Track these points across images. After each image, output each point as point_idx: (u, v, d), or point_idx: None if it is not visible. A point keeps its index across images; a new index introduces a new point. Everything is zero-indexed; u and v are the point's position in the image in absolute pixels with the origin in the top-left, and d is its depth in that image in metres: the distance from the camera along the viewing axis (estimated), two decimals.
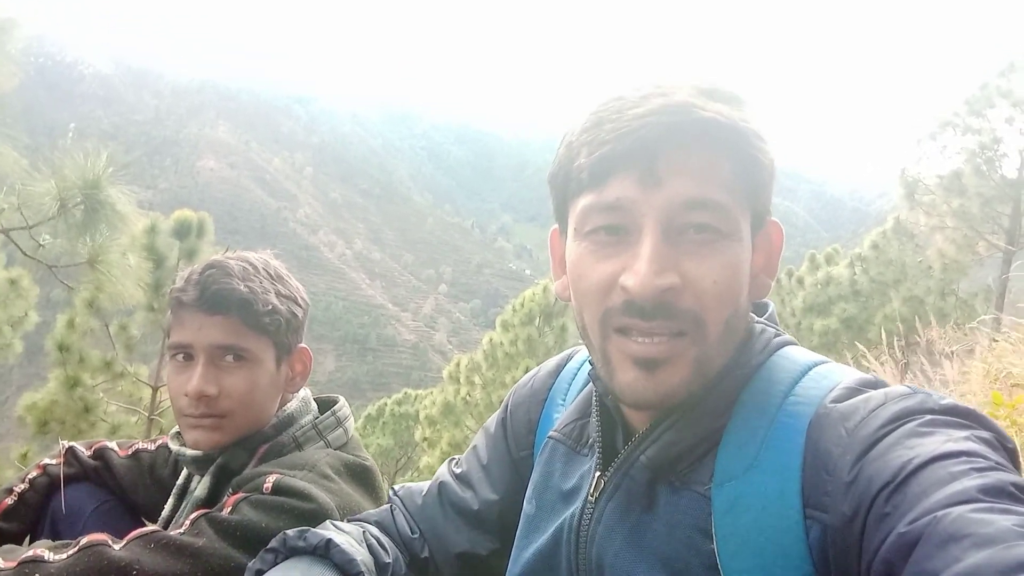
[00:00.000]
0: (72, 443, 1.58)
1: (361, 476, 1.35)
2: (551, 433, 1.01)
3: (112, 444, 1.60)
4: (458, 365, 16.87)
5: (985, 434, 0.69)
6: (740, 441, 0.80)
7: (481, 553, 1.08)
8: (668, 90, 0.80)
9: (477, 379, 16.17)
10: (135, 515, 1.56)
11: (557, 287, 0.95)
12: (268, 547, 0.99)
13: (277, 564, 0.96)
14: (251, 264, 1.36)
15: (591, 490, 0.89)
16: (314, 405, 1.49)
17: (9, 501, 1.47)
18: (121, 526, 1.45)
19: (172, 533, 1.15)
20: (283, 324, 1.36)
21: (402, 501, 1.19)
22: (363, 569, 0.95)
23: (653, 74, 0.83)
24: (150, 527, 1.19)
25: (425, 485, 1.19)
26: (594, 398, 0.95)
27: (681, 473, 0.82)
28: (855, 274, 15.06)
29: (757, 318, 0.92)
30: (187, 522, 1.18)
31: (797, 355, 0.88)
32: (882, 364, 4.82)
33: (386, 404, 22.09)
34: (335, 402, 1.50)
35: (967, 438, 0.67)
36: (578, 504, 0.90)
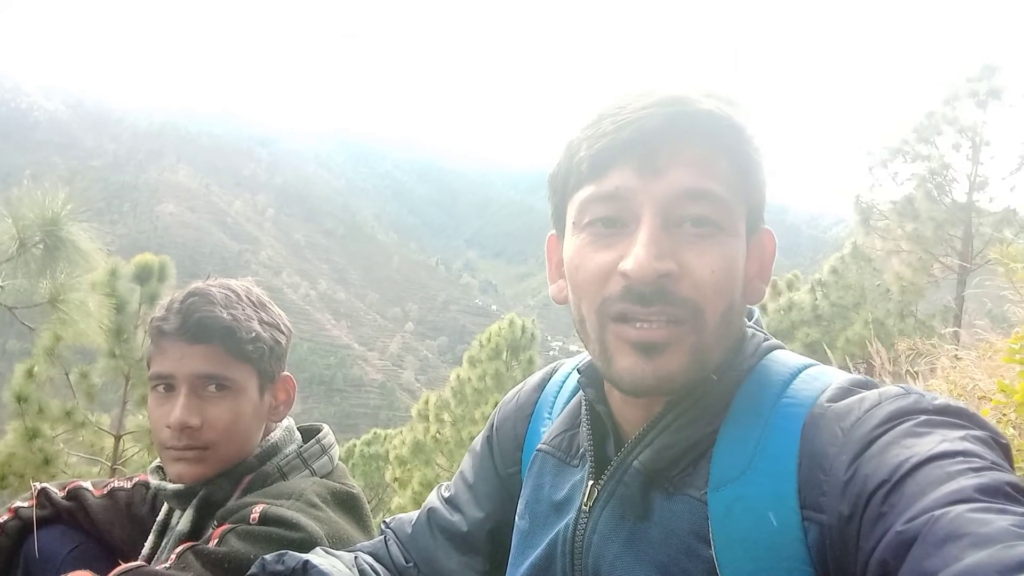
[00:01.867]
0: (44, 484, 1.54)
1: (349, 504, 1.33)
2: (540, 446, 1.01)
3: (86, 484, 1.55)
4: (427, 403, 16.71)
5: (980, 433, 0.70)
6: (734, 444, 0.80)
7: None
8: (668, 85, 0.82)
9: (446, 416, 16.03)
10: (112, 556, 1.50)
11: (553, 291, 0.95)
12: (248, 573, 0.97)
13: None
14: (233, 291, 1.34)
15: (584, 499, 0.88)
16: (298, 434, 1.46)
17: None
18: (98, 568, 1.41)
19: (158, 568, 1.12)
20: (266, 352, 1.34)
21: (394, 532, 1.17)
22: None
23: (649, 79, 0.85)
24: (135, 563, 1.15)
25: (415, 515, 1.18)
26: (584, 407, 0.95)
27: (675, 478, 0.82)
28: (816, 299, 15.30)
29: (747, 323, 0.93)
30: (173, 556, 1.15)
31: (787, 358, 0.88)
32: None
33: (355, 445, 21.77)
34: (319, 430, 1.48)
35: (963, 438, 0.68)
36: (571, 514, 0.89)
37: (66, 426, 10.27)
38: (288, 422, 1.46)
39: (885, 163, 13.42)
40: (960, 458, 0.64)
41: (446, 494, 1.16)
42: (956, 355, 4.51)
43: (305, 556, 0.96)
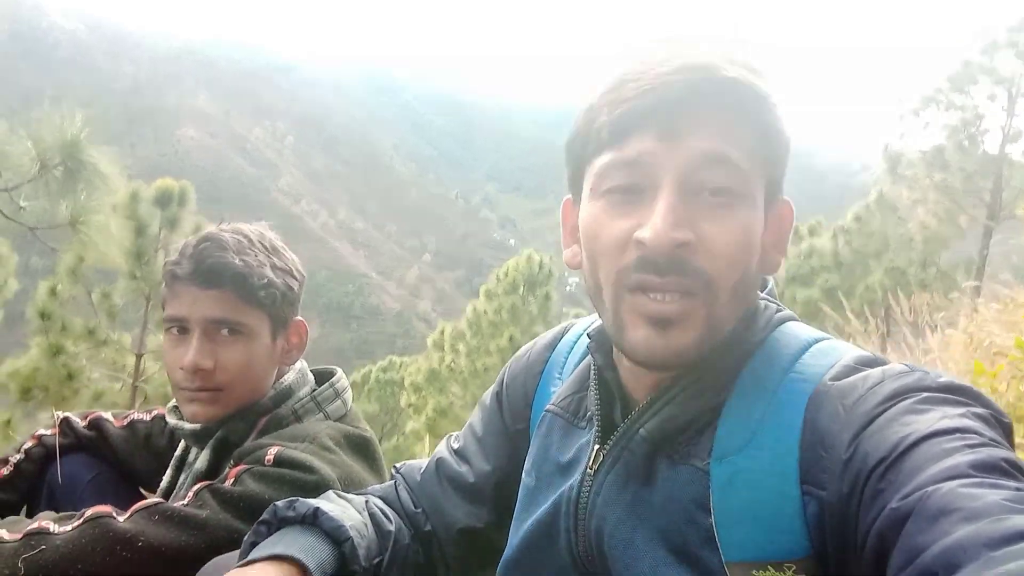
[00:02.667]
0: (67, 413, 1.57)
1: (361, 448, 1.35)
2: (548, 407, 1.02)
3: (107, 415, 1.59)
4: (442, 333, 16.89)
5: (981, 411, 0.70)
6: (739, 417, 0.81)
7: (479, 526, 1.09)
8: (691, 49, 0.80)
9: (461, 347, 16.20)
10: (132, 484, 1.57)
11: (567, 256, 0.95)
12: (260, 519, 0.99)
13: (270, 536, 0.97)
14: (246, 236, 1.34)
15: (590, 463, 0.90)
16: (311, 377, 1.48)
17: (4, 471, 1.48)
18: (119, 495, 1.49)
19: (176, 504, 1.15)
20: (278, 297, 1.35)
21: (404, 478, 1.20)
22: (352, 535, 0.95)
23: (670, 38, 0.83)
24: (153, 499, 1.19)
25: (424, 462, 1.20)
26: (592, 371, 0.95)
27: (680, 447, 0.83)
28: (838, 246, 15.16)
29: (760, 294, 0.92)
30: (190, 494, 1.19)
31: (798, 331, 0.88)
32: (865, 331, 4.86)
33: (371, 371, 22.12)
34: (332, 373, 1.50)
35: (963, 415, 0.68)
36: (576, 476, 0.91)
37: (88, 343, 10.48)
38: (301, 364, 1.48)
39: (917, 112, 13.11)
40: (958, 435, 0.65)
41: (455, 445, 1.17)
42: (976, 309, 4.47)
43: (315, 503, 0.98)
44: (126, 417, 1.59)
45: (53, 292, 10.22)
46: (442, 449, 1.18)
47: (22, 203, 6.01)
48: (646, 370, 0.87)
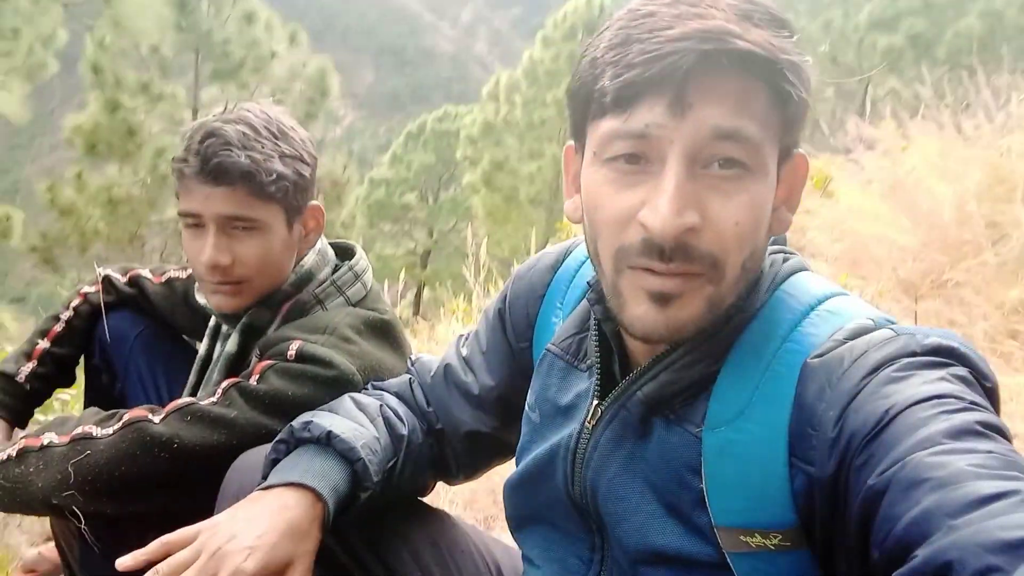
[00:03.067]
0: (107, 271, 1.61)
1: (382, 331, 1.36)
2: (548, 346, 1.01)
3: (145, 271, 1.62)
4: (497, 83, 16.43)
5: (961, 371, 0.70)
6: (732, 387, 0.80)
7: (484, 430, 1.12)
8: (704, 10, 0.72)
9: (517, 98, 15.81)
10: (176, 337, 1.62)
11: (568, 208, 0.90)
12: (279, 438, 1.03)
13: (289, 454, 1.01)
14: (251, 126, 1.28)
15: (588, 416, 0.91)
16: (331, 253, 1.47)
17: (58, 328, 1.55)
18: (163, 348, 1.57)
19: (205, 404, 1.20)
20: (290, 188, 1.31)
21: (417, 373, 1.23)
22: (363, 454, 0.99)
23: None
24: (184, 400, 1.23)
25: (435, 363, 1.21)
26: (592, 321, 0.94)
27: (676, 409, 0.83)
28: None
29: (769, 248, 0.87)
30: (219, 391, 1.23)
31: (804, 289, 0.84)
32: (940, 100, 4.49)
33: (427, 121, 21.98)
34: (352, 252, 1.48)
35: (942, 378, 0.68)
36: (575, 426, 0.92)
37: (144, 98, 10.54)
38: (321, 244, 1.46)
39: None
40: (934, 401, 0.65)
41: (464, 351, 1.17)
42: None
43: (328, 425, 1.01)
44: (163, 274, 1.62)
45: (102, 45, 10.10)
46: (451, 354, 1.19)
47: None
48: None
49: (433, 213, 21.57)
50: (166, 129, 11.00)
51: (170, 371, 1.54)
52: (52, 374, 1.53)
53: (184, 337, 1.63)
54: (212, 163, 1.24)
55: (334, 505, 0.95)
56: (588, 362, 0.94)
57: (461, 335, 1.22)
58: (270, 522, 0.90)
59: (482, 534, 1.21)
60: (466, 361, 1.16)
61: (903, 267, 2.96)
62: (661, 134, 0.74)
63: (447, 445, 1.16)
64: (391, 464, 1.05)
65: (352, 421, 1.05)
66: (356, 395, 1.15)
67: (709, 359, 0.82)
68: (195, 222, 1.31)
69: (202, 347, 1.48)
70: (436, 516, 1.17)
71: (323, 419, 1.03)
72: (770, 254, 0.86)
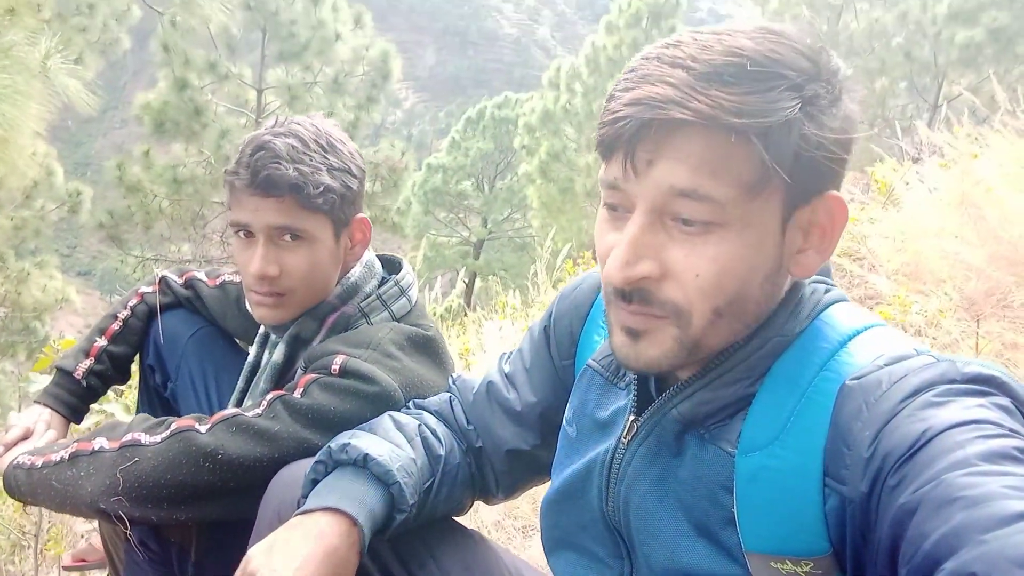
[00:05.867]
0: (164, 273, 1.67)
1: (424, 347, 1.37)
2: (589, 362, 1.03)
3: (200, 274, 1.68)
4: (558, 71, 16.30)
5: (1003, 400, 0.69)
6: (768, 412, 0.80)
7: (525, 448, 1.14)
8: (666, 72, 0.73)
9: (578, 86, 15.67)
10: (228, 339, 1.67)
11: None
12: (318, 458, 1.06)
13: (327, 475, 1.03)
14: (300, 139, 1.31)
15: (624, 433, 0.92)
16: (378, 267, 1.49)
17: (115, 326, 1.62)
18: (215, 351, 1.61)
19: (250, 416, 1.23)
20: (337, 200, 1.33)
21: (459, 391, 1.25)
22: (399, 478, 1.01)
23: (680, 40, 0.77)
24: (231, 410, 1.26)
25: (477, 381, 1.23)
26: None
27: (711, 428, 0.84)
28: None
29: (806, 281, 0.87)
30: (264, 402, 1.26)
31: (842, 320, 0.83)
32: (1015, 92, 4.28)
33: (486, 108, 21.99)
34: (399, 266, 1.51)
35: (981, 406, 0.68)
36: (612, 442, 0.94)
37: (211, 77, 10.76)
38: (368, 256, 1.47)
39: None
40: (972, 426, 0.65)
41: (506, 368, 1.19)
42: None
43: (365, 448, 1.03)
44: (218, 277, 1.67)
45: (173, 23, 10.32)
46: (493, 372, 1.21)
47: None
48: None
49: (488, 202, 21.62)
50: (231, 110, 11.22)
51: (220, 374, 1.58)
52: (108, 371, 1.60)
53: (236, 341, 1.67)
54: (262, 175, 1.28)
55: (370, 529, 0.97)
56: (627, 379, 0.96)
57: (504, 353, 1.24)
58: (309, 550, 0.92)
59: (514, 558, 1.22)
60: (508, 378, 1.18)
61: (966, 284, 2.84)
62: (626, 188, 0.78)
63: (487, 464, 1.18)
64: (428, 485, 1.08)
65: (390, 443, 1.08)
66: (396, 414, 1.17)
67: (746, 380, 0.82)
68: (245, 232, 1.34)
69: (251, 353, 1.52)
70: (471, 538, 1.18)
71: (361, 440, 1.05)
72: (811, 283, 0.87)
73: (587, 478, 0.96)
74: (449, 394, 1.26)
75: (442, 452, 1.12)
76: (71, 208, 10.13)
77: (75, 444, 1.26)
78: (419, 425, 1.14)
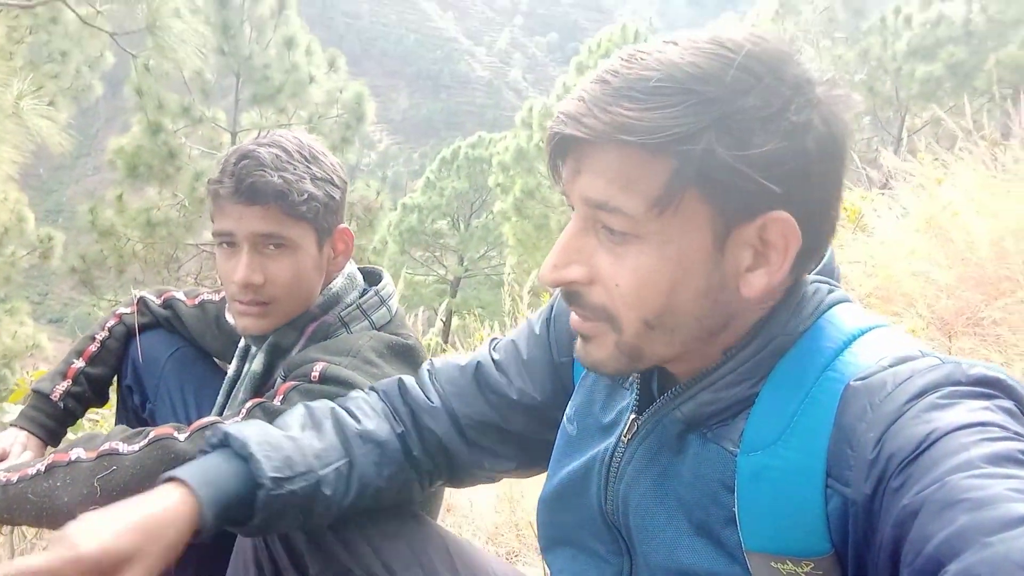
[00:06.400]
0: (143, 293, 1.67)
1: (404, 355, 1.38)
2: None
3: (179, 294, 1.67)
4: (530, 110, 16.51)
5: (1007, 403, 0.69)
6: (770, 412, 0.79)
7: (505, 428, 1.12)
8: (588, 88, 0.76)
9: (550, 125, 15.82)
10: (207, 359, 1.66)
11: None
12: (200, 448, 1.03)
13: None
14: (284, 150, 1.33)
15: (624, 431, 0.92)
16: (359, 279, 1.50)
17: (93, 348, 1.60)
18: (195, 369, 1.61)
19: (228, 424, 1.22)
20: (320, 209, 1.35)
21: (436, 370, 1.20)
22: (254, 451, 0.96)
23: (627, 56, 0.76)
24: (209, 419, 1.26)
25: (463, 359, 1.20)
26: None
27: (713, 427, 0.84)
28: (971, 12, 13.58)
29: (812, 276, 0.86)
30: (243, 411, 1.25)
31: (846, 319, 0.82)
32: (978, 138, 4.42)
33: (460, 147, 22.15)
34: (379, 277, 1.52)
35: (986, 408, 0.68)
36: (612, 440, 0.93)
37: (185, 121, 10.76)
38: (350, 268, 1.49)
39: None
40: (978, 428, 0.65)
41: (496, 356, 1.16)
42: None
43: (227, 430, 1.00)
44: (197, 296, 1.67)
45: (147, 68, 10.35)
46: (484, 354, 1.18)
47: (99, 7, 5.93)
48: None
49: (464, 240, 21.66)
50: (205, 153, 11.21)
51: (200, 392, 1.57)
52: (86, 393, 1.58)
53: (215, 360, 1.66)
54: (246, 183, 1.29)
55: (213, 500, 0.91)
56: (630, 379, 0.95)
57: (494, 338, 1.22)
58: (124, 514, 0.86)
59: (504, 564, 1.20)
60: (500, 366, 1.15)
61: (937, 304, 2.90)
62: (568, 192, 0.81)
63: (456, 435, 1.13)
64: (339, 464, 1.03)
65: (274, 427, 1.04)
66: (311, 403, 1.13)
67: (749, 381, 0.82)
68: (229, 241, 1.35)
69: (231, 368, 1.51)
70: (414, 520, 1.15)
71: (234, 427, 1.02)
72: (813, 282, 0.85)
73: (586, 476, 0.95)
74: (428, 373, 1.20)
75: (364, 428, 1.08)
76: (43, 254, 10.02)
77: (52, 456, 1.23)
78: (332, 408, 1.11)
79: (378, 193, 12.68)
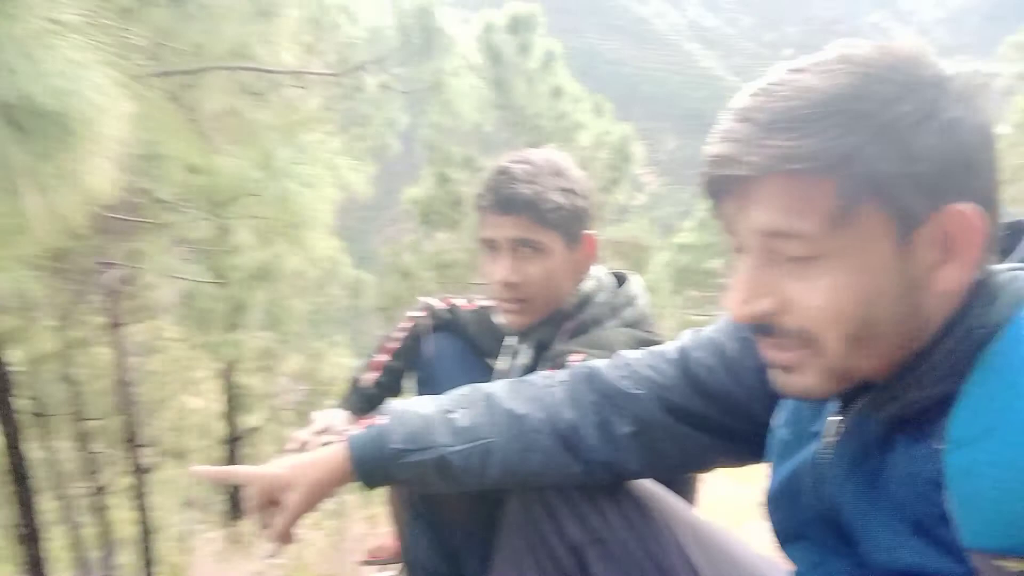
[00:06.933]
0: (429, 299, 1.93)
1: None
2: None
3: (460, 300, 1.92)
4: None
5: None
6: (975, 406, 0.75)
7: (710, 419, 1.12)
8: (732, 128, 0.77)
9: (704, 170, 14.89)
10: (480, 356, 1.86)
11: None
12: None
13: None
14: (533, 165, 1.51)
15: (828, 434, 0.92)
16: (607, 279, 1.62)
17: (394, 345, 1.90)
18: (474, 368, 1.80)
19: None
20: (567, 216, 1.51)
21: (637, 360, 1.19)
22: (389, 422, 1.16)
23: (766, 87, 0.78)
24: None
25: (666, 349, 1.20)
26: None
27: (920, 425, 0.81)
28: None
29: (1008, 265, 0.81)
30: None
31: None
32: None
33: None
34: (625, 277, 1.64)
35: None
36: (816, 444, 0.94)
37: (467, 171, 11.78)
38: (599, 271, 1.63)
39: None
40: None
41: (696, 354, 1.15)
42: None
43: (395, 405, 1.19)
44: (473, 302, 1.91)
45: (434, 125, 11.51)
46: (686, 344, 1.18)
47: (391, 72, 6.79)
48: None
49: None
50: None
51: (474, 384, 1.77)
52: (387, 383, 1.86)
53: (486, 360, 1.87)
54: (501, 195, 1.50)
55: (359, 459, 1.13)
56: None
57: (690, 329, 1.22)
58: (301, 458, 1.16)
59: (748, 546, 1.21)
60: (701, 361, 1.15)
61: None
62: (735, 228, 0.81)
63: (658, 420, 1.14)
64: (484, 443, 1.13)
65: (419, 405, 1.19)
66: (487, 387, 1.23)
67: (953, 377, 0.79)
68: (491, 246, 1.55)
69: (499, 363, 1.72)
70: (704, 525, 1.18)
71: (396, 403, 1.21)
72: (1011, 278, 0.81)
73: (797, 481, 0.97)
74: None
75: (523, 412, 1.14)
76: (355, 292, 11.46)
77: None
78: (488, 393, 1.19)
79: (649, 232, 12.83)
